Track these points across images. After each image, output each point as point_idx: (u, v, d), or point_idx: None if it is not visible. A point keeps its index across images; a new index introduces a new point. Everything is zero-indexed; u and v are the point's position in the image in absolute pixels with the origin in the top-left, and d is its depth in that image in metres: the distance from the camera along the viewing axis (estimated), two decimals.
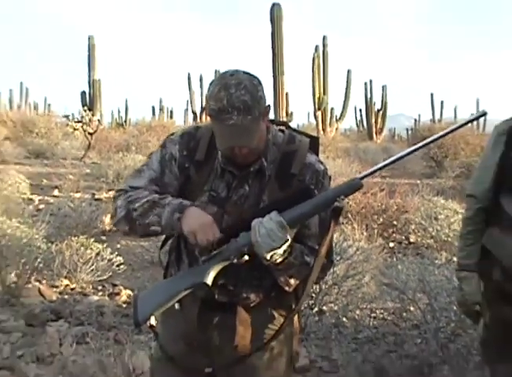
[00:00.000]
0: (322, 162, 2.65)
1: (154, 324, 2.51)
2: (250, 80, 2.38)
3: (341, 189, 2.41)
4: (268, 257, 2.31)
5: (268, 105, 2.47)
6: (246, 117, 2.31)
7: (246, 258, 2.38)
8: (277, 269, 2.43)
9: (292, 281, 2.50)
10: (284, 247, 2.32)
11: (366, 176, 2.45)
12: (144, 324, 2.47)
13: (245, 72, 2.41)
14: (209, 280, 2.38)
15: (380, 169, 2.47)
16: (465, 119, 2.61)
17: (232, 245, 2.39)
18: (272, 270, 2.44)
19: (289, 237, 2.32)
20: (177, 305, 2.48)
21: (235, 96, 2.30)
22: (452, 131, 2.55)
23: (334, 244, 3.14)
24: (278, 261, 2.35)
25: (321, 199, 2.39)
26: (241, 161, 2.49)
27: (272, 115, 2.57)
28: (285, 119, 22.34)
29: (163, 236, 2.77)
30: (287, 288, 2.53)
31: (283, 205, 2.35)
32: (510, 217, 3.34)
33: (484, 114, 2.49)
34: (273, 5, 23.68)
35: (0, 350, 5.51)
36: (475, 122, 42.22)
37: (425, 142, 2.52)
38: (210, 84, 2.41)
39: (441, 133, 2.53)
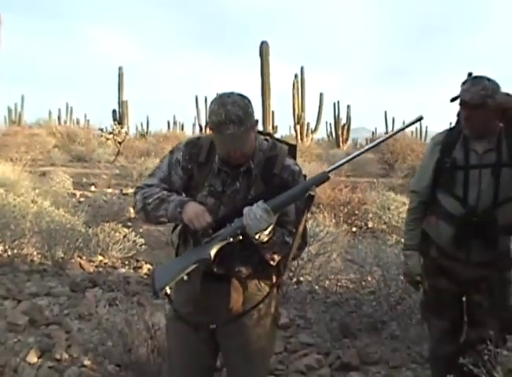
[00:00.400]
0: (297, 165, 2.67)
1: (168, 292, 2.54)
2: (243, 99, 2.41)
3: (312, 181, 2.45)
4: (256, 237, 2.35)
5: (257, 119, 2.51)
6: (240, 128, 2.35)
7: (240, 237, 2.41)
8: (263, 247, 2.46)
9: (275, 257, 2.53)
10: (269, 228, 2.35)
11: (331, 170, 2.49)
12: (161, 292, 2.50)
13: (238, 94, 2.44)
14: (211, 255, 2.42)
15: (341, 165, 2.52)
16: (407, 122, 2.61)
17: (228, 228, 2.42)
18: (260, 248, 2.47)
19: (273, 220, 2.36)
20: (185, 277, 2.51)
21: (231, 111, 2.34)
22: (396, 133, 2.59)
23: (308, 229, 3.15)
24: (264, 240, 2.38)
25: (297, 189, 2.42)
26: (234, 162, 2.53)
27: (261, 128, 2.60)
28: (271, 131, 22.35)
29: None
30: (271, 262, 2.55)
31: (268, 196, 2.39)
32: (444, 208, 3.39)
33: (420, 118, 2.50)
34: (262, 42, 23.60)
35: (51, 309, 5.59)
36: (419, 134, 42.23)
37: (373, 144, 2.60)
38: (211, 103, 2.44)
39: (388, 134, 2.58)
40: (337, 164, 2.52)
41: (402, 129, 2.53)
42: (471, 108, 3.22)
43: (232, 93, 2.43)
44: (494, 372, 2.81)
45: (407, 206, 3.87)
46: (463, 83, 3.28)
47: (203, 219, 2.42)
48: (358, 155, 2.55)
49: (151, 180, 2.69)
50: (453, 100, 3.32)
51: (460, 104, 3.29)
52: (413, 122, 2.52)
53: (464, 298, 3.58)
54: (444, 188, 3.41)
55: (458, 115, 3.42)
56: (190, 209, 2.46)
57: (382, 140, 2.59)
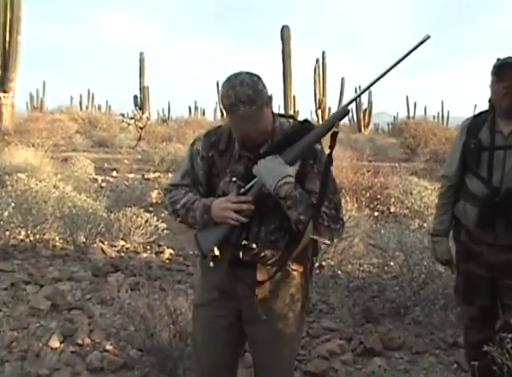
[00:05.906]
0: (320, 144, 2.60)
1: (217, 254, 2.50)
2: (251, 78, 2.36)
3: (335, 116, 2.45)
4: (274, 187, 2.33)
5: (271, 95, 2.46)
6: (251, 107, 2.31)
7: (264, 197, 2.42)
8: (288, 207, 2.36)
9: (302, 217, 2.36)
10: (286, 179, 2.33)
11: (350, 103, 2.53)
12: (210, 254, 2.49)
13: (246, 72, 2.40)
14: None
15: (358, 96, 2.62)
16: (414, 44, 2.42)
17: (250, 192, 2.44)
18: (284, 208, 2.38)
19: (289, 171, 2.35)
20: (211, 263, 2.50)
21: (240, 92, 2.30)
22: (404, 58, 2.37)
23: None
24: (285, 191, 2.33)
25: (324, 126, 2.46)
26: (250, 142, 2.49)
27: (282, 112, 2.56)
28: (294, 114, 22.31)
29: None
30: (300, 226, 2.40)
31: (284, 145, 2.42)
32: (471, 191, 3.38)
33: (428, 37, 2.34)
34: (283, 27, 23.53)
35: (73, 294, 5.60)
36: (441, 118, 41.93)
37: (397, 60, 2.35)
38: (222, 86, 2.41)
39: (401, 56, 2.36)
40: (353, 97, 2.58)
41: (410, 53, 2.34)
42: None
43: (240, 73, 2.39)
44: None
45: (430, 190, 3.84)
46: (498, 61, 3.26)
47: (231, 208, 2.41)
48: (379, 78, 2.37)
49: (175, 177, 2.73)
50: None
51: (502, 73, 3.24)
52: (421, 42, 2.35)
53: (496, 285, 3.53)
54: (471, 170, 3.41)
55: (490, 100, 3.40)
56: (216, 211, 2.46)
57: (392, 67, 2.36)
